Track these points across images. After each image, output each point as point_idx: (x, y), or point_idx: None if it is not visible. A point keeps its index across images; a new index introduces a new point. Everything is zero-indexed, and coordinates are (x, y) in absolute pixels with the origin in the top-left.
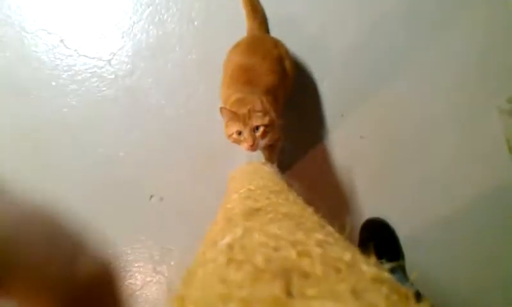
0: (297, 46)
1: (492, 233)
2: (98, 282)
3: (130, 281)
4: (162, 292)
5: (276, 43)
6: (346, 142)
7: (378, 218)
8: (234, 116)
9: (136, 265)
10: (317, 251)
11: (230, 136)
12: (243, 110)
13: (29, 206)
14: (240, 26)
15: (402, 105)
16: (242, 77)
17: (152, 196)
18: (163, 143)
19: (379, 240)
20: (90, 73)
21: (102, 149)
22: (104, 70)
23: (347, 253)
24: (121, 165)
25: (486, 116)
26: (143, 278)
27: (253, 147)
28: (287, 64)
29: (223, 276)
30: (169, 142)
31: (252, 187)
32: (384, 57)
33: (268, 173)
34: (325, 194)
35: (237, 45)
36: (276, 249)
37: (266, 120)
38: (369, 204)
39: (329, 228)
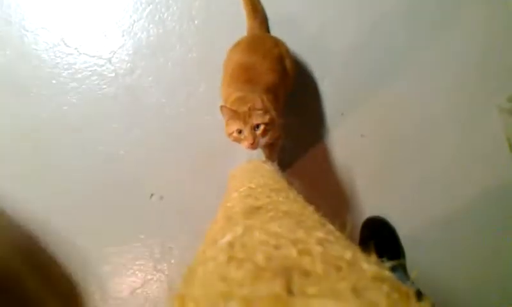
0: (298, 45)
1: (492, 232)
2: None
3: (130, 279)
4: (163, 290)
5: (277, 42)
6: (346, 141)
7: (379, 216)
8: (234, 115)
9: (137, 263)
10: (317, 249)
11: (230, 135)
12: (243, 109)
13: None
14: (240, 25)
15: (402, 104)
16: (243, 75)
17: (152, 195)
18: (163, 142)
19: (379, 239)
20: (90, 71)
21: (102, 148)
22: (104, 68)
23: (348, 252)
24: (122, 163)
25: (486, 115)
26: (143, 276)
27: (254, 145)
28: (287, 63)
29: (224, 274)
30: (170, 140)
31: (252, 186)
32: (385, 56)
33: (268, 171)
34: (325, 193)
35: (238, 44)
36: (276, 247)
37: (266, 118)
38: (370, 202)
39: (330, 227)
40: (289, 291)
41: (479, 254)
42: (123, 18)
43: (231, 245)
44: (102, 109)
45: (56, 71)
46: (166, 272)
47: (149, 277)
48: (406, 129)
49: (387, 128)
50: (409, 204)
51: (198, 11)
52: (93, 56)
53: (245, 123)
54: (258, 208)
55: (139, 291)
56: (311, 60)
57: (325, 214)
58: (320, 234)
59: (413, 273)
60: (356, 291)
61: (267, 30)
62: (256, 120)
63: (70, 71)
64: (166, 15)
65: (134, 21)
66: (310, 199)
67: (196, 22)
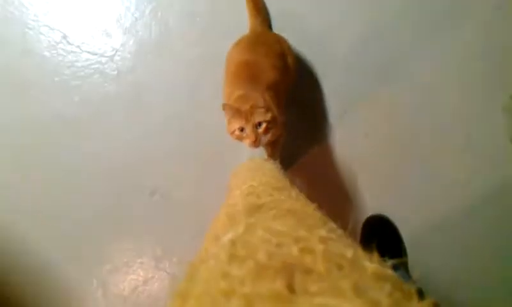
0: (300, 42)
1: (495, 231)
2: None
3: (132, 277)
4: (165, 288)
5: (279, 40)
6: (349, 139)
7: (381, 215)
8: (236, 113)
9: (138, 261)
10: (319, 247)
11: (232, 133)
12: (245, 107)
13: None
14: (242, 22)
15: (405, 103)
16: (245, 73)
17: (154, 193)
18: (165, 140)
19: (381, 237)
20: (93, 69)
21: (104, 146)
22: (106, 66)
23: (350, 250)
24: (123, 161)
25: (489, 114)
26: (145, 274)
27: (256, 143)
28: (290, 60)
29: (226, 272)
30: (172, 138)
31: (255, 184)
32: (388, 54)
33: (270, 169)
34: (328, 191)
35: (240, 42)
36: (278, 245)
37: (268, 116)
38: (372, 201)
39: (332, 225)
40: (291, 289)
41: (481, 253)
42: (126, 16)
43: (233, 243)
44: (104, 106)
45: (58, 69)
46: (168, 270)
47: (151, 275)
48: (409, 128)
49: (390, 127)
50: (411, 203)
51: (200, 9)
52: (95, 54)
53: (247, 121)
54: (260, 206)
55: (140, 289)
56: (314, 57)
57: (327, 212)
58: (322, 232)
59: (415, 272)
60: (358, 290)
61: (270, 27)
62: (258, 118)
63: (72, 69)
64: (168, 12)
65: (136, 19)
66: (312, 197)
67: (198, 19)
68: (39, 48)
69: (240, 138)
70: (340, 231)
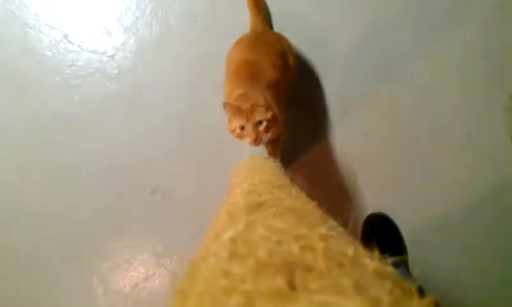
0: (301, 41)
1: (495, 230)
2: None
3: (133, 274)
4: (165, 285)
5: (279, 38)
6: (349, 138)
7: (381, 213)
8: (237, 111)
9: (139, 258)
10: (320, 245)
11: (233, 131)
12: (246, 106)
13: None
14: (243, 22)
15: (406, 102)
16: (245, 72)
17: (154, 191)
18: (166, 138)
19: (381, 235)
20: (93, 68)
21: (105, 144)
22: (107, 65)
23: (350, 248)
24: (124, 160)
25: (490, 113)
26: (145, 271)
27: (256, 142)
28: (290, 59)
29: (226, 270)
30: (172, 137)
31: (255, 182)
32: (389, 53)
33: (271, 167)
34: (328, 189)
35: (240, 41)
36: (279, 243)
37: (269, 115)
38: (372, 199)
39: (332, 223)
40: (291, 287)
41: (481, 252)
42: (126, 15)
43: (233, 240)
44: (104, 105)
45: (59, 68)
46: (168, 267)
47: (151, 272)
48: (409, 127)
49: (390, 126)
50: (411, 201)
51: (201, 8)
52: (96, 53)
53: (248, 119)
54: (261, 204)
55: (141, 286)
56: (314, 56)
57: (327, 210)
58: (322, 230)
59: (415, 270)
60: (358, 287)
61: (270, 26)
62: (258, 117)
63: (73, 68)
64: (168, 11)
65: (137, 18)
66: (312, 195)
67: (199, 18)
68: (40, 47)
69: (240, 136)
70: (340, 229)
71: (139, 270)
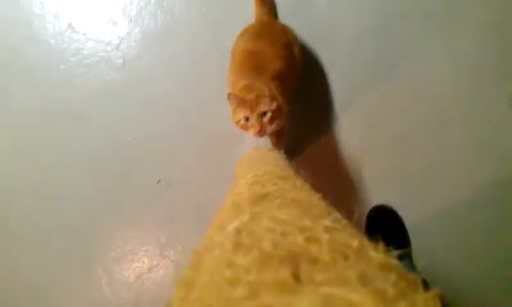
0: (306, 32)
1: (500, 223)
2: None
3: (137, 264)
4: (169, 276)
5: (285, 29)
6: (354, 129)
7: (385, 205)
8: (241, 102)
9: (143, 249)
10: (325, 237)
11: (237, 122)
12: (250, 96)
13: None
14: (248, 12)
15: (411, 93)
16: (250, 62)
17: (159, 181)
18: (171, 128)
19: (385, 227)
20: (98, 57)
21: (109, 134)
22: (112, 54)
23: (355, 240)
24: (129, 149)
25: (496, 106)
26: (149, 262)
27: (261, 133)
28: (295, 50)
29: (231, 261)
30: (177, 127)
31: (259, 173)
32: (395, 44)
33: (275, 159)
34: (332, 181)
35: (245, 31)
36: (283, 234)
37: (273, 105)
38: (376, 191)
39: (337, 215)
40: (296, 278)
41: (485, 245)
42: (131, 4)
43: (238, 231)
44: (109, 95)
45: (64, 57)
46: (172, 258)
47: (155, 262)
48: (414, 119)
49: (395, 118)
50: (417, 192)
51: None
52: (101, 42)
53: (252, 110)
54: (265, 195)
55: (145, 276)
56: (319, 47)
57: (332, 202)
58: (327, 222)
59: (421, 263)
60: (363, 279)
61: (276, 16)
62: (263, 107)
63: (78, 57)
64: (173, 1)
65: (142, 7)
66: (316, 187)
67: (204, 8)
68: (45, 35)
69: (245, 128)
70: (344, 221)
71: (143, 261)
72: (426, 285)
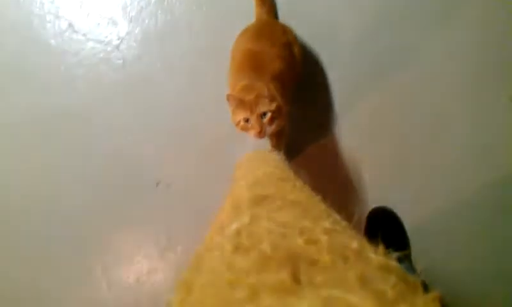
0: (306, 31)
1: (501, 224)
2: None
3: (136, 266)
4: (169, 278)
5: (285, 29)
6: (354, 129)
7: (385, 207)
8: (241, 103)
9: (143, 250)
10: (324, 238)
11: (237, 124)
12: (250, 97)
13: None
14: (248, 12)
15: (411, 95)
16: (250, 63)
17: (159, 182)
18: (170, 129)
19: (385, 229)
20: (98, 58)
21: (109, 135)
22: (112, 55)
23: (355, 241)
24: (128, 150)
25: (496, 105)
26: (149, 263)
27: (261, 134)
28: (296, 50)
29: (230, 262)
30: (177, 128)
31: (259, 174)
32: (395, 45)
33: (275, 160)
34: (332, 183)
35: (245, 31)
36: (283, 236)
37: (273, 106)
38: (376, 193)
39: (336, 216)
40: (296, 280)
41: (485, 246)
42: (131, 4)
43: (238, 233)
44: (109, 95)
45: (64, 58)
46: (172, 260)
47: (155, 264)
48: (414, 120)
49: (396, 118)
50: (417, 194)
51: None
52: (101, 43)
53: (252, 111)
54: (265, 197)
55: (144, 278)
56: (320, 47)
57: (331, 204)
58: (326, 224)
59: (420, 265)
60: (363, 281)
61: (276, 16)
62: (263, 108)
63: (77, 57)
64: (174, 1)
65: (142, 7)
66: (316, 187)
67: (204, 8)
68: (44, 36)
69: (245, 129)
70: (344, 223)
71: (143, 262)
72: (426, 287)
